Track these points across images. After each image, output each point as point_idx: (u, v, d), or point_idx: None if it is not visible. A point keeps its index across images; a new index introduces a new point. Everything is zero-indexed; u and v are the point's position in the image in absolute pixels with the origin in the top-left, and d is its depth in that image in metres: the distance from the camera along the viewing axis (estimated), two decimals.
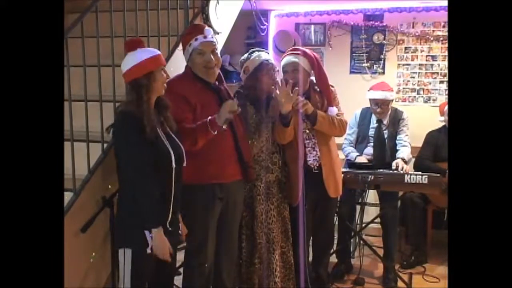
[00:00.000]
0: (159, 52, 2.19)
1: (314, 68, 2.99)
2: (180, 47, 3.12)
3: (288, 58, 2.99)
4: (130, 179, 2.10)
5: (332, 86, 3.07)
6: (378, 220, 3.78)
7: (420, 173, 3.36)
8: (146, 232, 2.07)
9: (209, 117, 2.40)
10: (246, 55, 2.94)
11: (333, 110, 3.00)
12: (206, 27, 2.62)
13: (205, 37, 2.53)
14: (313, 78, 3.07)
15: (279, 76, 2.93)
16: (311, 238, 3.22)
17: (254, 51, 2.93)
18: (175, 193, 2.19)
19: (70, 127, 2.30)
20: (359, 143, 3.89)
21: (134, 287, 2.13)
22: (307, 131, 3.00)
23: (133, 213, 2.10)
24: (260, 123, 2.82)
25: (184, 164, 2.25)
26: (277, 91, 2.71)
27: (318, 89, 3.04)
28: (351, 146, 3.89)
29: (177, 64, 3.01)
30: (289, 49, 3.11)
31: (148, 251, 2.09)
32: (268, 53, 2.94)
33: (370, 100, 3.84)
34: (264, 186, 2.85)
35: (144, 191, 2.05)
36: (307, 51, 3.03)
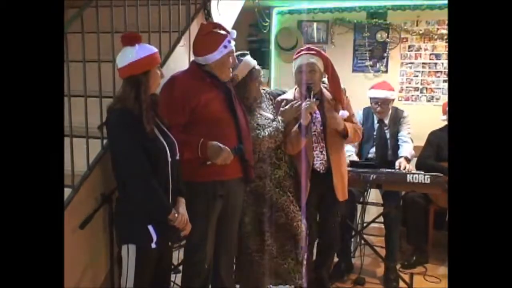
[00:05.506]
0: (156, 50, 2.20)
1: (327, 69, 2.94)
2: (182, 43, 3.12)
3: (304, 58, 2.92)
4: (131, 176, 2.09)
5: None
6: (379, 219, 3.77)
7: (422, 172, 3.33)
8: (150, 227, 2.10)
9: (202, 140, 2.41)
10: None
11: (344, 114, 2.97)
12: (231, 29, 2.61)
13: (231, 38, 2.55)
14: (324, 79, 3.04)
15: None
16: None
17: (240, 57, 2.79)
18: (173, 185, 2.20)
19: (69, 123, 2.28)
20: (365, 143, 3.86)
21: (137, 283, 2.15)
22: (316, 134, 2.97)
23: (136, 209, 2.12)
24: (253, 130, 2.78)
25: (177, 157, 2.25)
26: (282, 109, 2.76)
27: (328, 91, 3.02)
28: (350, 144, 3.85)
29: (177, 61, 3.00)
30: (302, 48, 3.02)
31: (153, 245, 2.11)
32: (251, 57, 2.85)
33: (371, 99, 3.83)
34: (271, 183, 2.84)
35: (148, 187, 2.07)
36: (321, 51, 2.99)
